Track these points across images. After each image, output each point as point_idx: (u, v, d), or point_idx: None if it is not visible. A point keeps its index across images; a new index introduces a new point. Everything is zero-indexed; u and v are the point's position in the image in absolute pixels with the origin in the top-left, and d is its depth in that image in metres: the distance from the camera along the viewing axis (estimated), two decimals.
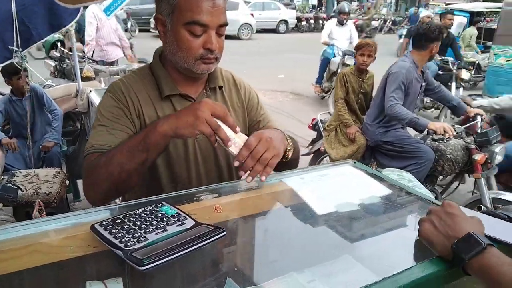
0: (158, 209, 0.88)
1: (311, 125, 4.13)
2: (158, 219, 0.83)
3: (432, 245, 0.80)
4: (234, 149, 0.97)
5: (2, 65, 2.67)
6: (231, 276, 0.74)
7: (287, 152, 1.13)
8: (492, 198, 2.89)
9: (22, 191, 2.58)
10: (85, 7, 4.26)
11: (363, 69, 3.60)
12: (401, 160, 3.15)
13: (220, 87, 1.31)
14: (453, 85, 6.08)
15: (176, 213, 0.86)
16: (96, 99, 3.22)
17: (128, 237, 0.76)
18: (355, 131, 3.48)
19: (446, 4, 15.48)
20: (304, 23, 19.88)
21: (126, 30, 7.79)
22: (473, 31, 9.61)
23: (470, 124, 3.19)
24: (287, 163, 1.16)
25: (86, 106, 3.43)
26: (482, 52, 9.47)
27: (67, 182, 3.00)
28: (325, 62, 7.09)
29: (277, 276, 0.73)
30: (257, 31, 17.77)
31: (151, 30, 14.85)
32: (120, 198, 1.39)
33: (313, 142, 4.06)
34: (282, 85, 8.72)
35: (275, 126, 1.38)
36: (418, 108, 5.74)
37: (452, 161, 3.06)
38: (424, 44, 3.12)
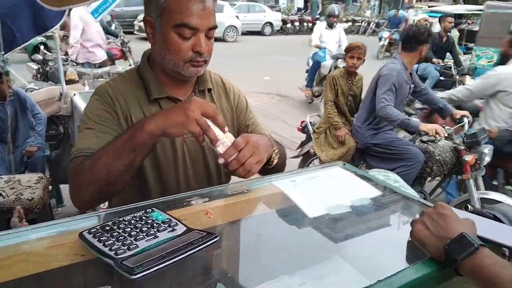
0: (148, 215, 0.86)
1: (300, 127, 4.13)
2: (149, 226, 0.82)
3: (424, 246, 0.80)
4: (221, 149, 0.97)
5: None
6: (222, 281, 0.73)
7: (272, 160, 1.13)
8: (480, 198, 2.93)
9: (4, 198, 2.52)
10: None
11: (353, 72, 3.61)
12: (391, 162, 3.16)
13: (209, 90, 1.30)
14: None
15: (167, 219, 0.85)
16: (80, 102, 3.17)
17: (118, 245, 0.74)
18: (345, 134, 3.49)
19: (429, 7, 15.72)
20: (289, 25, 19.96)
21: (115, 36, 7.72)
22: (455, 33, 9.77)
23: (459, 125, 3.21)
24: (271, 169, 1.16)
25: (70, 110, 3.37)
26: (464, 53, 9.63)
27: (50, 187, 2.94)
28: (316, 65, 7.02)
29: (268, 280, 0.73)
30: (243, 34, 17.77)
31: (135, 32, 14.72)
32: (107, 204, 1.37)
33: (302, 144, 4.06)
34: (267, 87, 8.73)
35: (264, 130, 1.38)
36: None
37: (441, 163, 3.08)
38: (413, 46, 3.15)
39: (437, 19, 8.43)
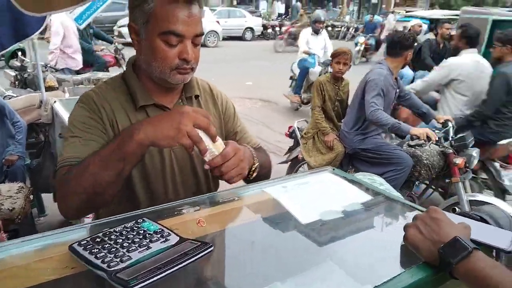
0: (139, 226, 0.84)
1: (288, 132, 4.12)
2: (141, 236, 0.80)
3: (418, 250, 0.80)
4: (208, 157, 0.98)
5: None
6: None
7: (251, 173, 1.15)
8: (469, 200, 2.97)
9: None
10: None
11: (339, 77, 3.62)
12: (380, 167, 3.18)
13: (197, 96, 1.29)
14: None
15: (159, 229, 0.83)
16: (61, 109, 3.10)
17: (110, 257, 0.72)
18: (333, 139, 3.49)
19: (406, 12, 16.04)
20: (270, 30, 20.04)
21: (110, 42, 7.64)
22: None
23: (446, 129, 3.25)
24: (251, 180, 1.18)
25: (50, 117, 3.29)
26: None
27: (31, 196, 2.87)
28: (304, 72, 6.93)
29: (261, 287, 0.72)
30: (224, 39, 17.78)
31: (114, 38, 14.55)
32: (91, 215, 1.34)
33: (290, 150, 4.06)
34: (250, 92, 8.74)
35: (251, 138, 1.38)
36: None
37: (429, 167, 3.12)
38: (398, 52, 3.19)
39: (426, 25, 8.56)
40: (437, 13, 10.85)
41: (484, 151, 3.39)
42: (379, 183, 1.88)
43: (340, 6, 29.98)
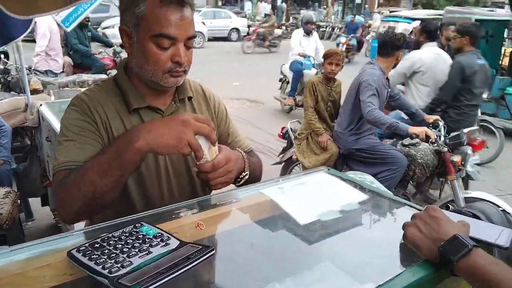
0: (138, 230, 0.83)
1: (281, 134, 4.13)
2: (140, 241, 0.79)
3: (418, 248, 0.81)
4: (202, 162, 1.00)
5: None
6: None
7: (239, 180, 1.16)
8: (464, 197, 3.01)
9: None
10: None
11: (331, 78, 3.64)
12: (375, 167, 3.19)
13: (190, 98, 1.28)
14: None
15: (158, 233, 0.82)
16: (47, 113, 3.04)
17: (110, 263, 0.71)
18: (327, 139, 3.50)
19: (390, 12, 16.19)
20: None
21: (109, 45, 7.58)
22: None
23: (439, 128, 3.27)
24: (241, 184, 1.19)
25: (36, 121, 3.23)
26: None
27: (19, 201, 2.82)
28: (299, 74, 6.80)
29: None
30: (209, 40, 17.72)
31: None
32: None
33: (284, 150, 4.06)
34: (237, 93, 8.74)
35: (243, 141, 1.37)
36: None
37: (423, 166, 3.15)
38: (390, 52, 3.21)
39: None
40: (421, 13, 10.97)
41: None
42: (370, 181, 1.90)
43: (325, 6, 30.16)
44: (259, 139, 5.83)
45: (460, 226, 0.81)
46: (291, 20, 23.68)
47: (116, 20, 16.14)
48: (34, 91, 4.16)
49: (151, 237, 0.80)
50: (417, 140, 3.16)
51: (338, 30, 19.55)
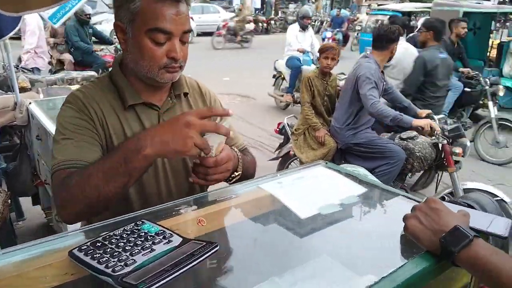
0: (139, 228, 0.83)
1: (277, 129, 4.12)
2: (142, 239, 0.78)
3: (419, 240, 0.82)
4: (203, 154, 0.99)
5: None
6: (213, 286, 0.74)
7: (230, 178, 1.16)
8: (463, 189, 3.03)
9: None
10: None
11: (327, 72, 3.64)
12: (373, 161, 3.20)
13: (186, 94, 1.28)
14: (490, 104, 5.12)
15: (160, 230, 0.81)
16: (37, 111, 3.00)
17: (114, 261, 0.70)
18: (324, 134, 3.50)
19: (378, 5, 16.24)
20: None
21: (110, 43, 7.50)
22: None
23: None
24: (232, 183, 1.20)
25: (26, 119, 3.18)
26: None
27: (9, 201, 2.78)
28: (297, 70, 6.56)
29: (259, 283, 0.72)
30: (198, 35, 17.61)
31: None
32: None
33: (281, 146, 4.05)
34: (228, 88, 8.70)
35: (238, 139, 1.37)
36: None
37: (421, 159, 3.17)
38: (384, 45, 3.22)
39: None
40: (409, 6, 11.01)
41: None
42: (363, 174, 1.92)
43: (313, 0, 30.13)
44: (251, 134, 5.82)
45: (461, 217, 0.81)
46: (279, 15, 23.63)
47: (104, 16, 15.97)
48: (22, 89, 4.09)
49: (153, 234, 0.80)
50: (415, 133, 3.18)
51: (326, 24, 19.55)
